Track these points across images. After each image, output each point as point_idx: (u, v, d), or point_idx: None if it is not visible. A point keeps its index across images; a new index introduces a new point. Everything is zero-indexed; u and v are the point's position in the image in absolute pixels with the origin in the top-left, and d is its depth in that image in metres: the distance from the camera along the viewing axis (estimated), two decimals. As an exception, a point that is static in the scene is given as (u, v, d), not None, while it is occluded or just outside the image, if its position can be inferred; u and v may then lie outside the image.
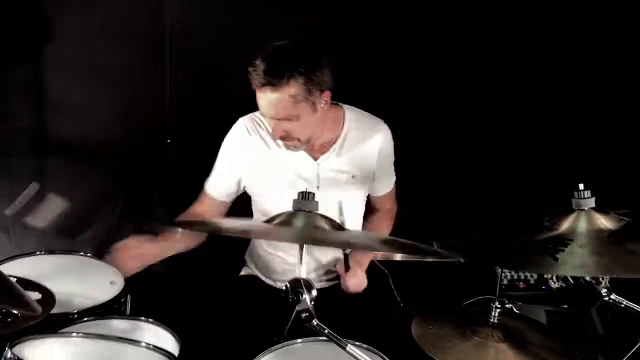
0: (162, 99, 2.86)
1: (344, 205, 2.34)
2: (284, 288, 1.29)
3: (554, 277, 2.41)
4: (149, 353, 1.74)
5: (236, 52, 2.27)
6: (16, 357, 1.56)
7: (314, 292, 1.30)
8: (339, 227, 1.59)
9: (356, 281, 2.29)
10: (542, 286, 2.47)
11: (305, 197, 1.31)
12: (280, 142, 2.27)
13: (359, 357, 1.24)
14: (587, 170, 2.11)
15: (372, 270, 2.45)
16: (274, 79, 2.03)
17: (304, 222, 1.32)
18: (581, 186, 1.52)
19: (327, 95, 2.17)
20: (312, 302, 1.29)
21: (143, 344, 1.76)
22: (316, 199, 2.24)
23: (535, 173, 2.93)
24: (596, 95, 2.88)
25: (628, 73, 2.87)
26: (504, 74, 2.89)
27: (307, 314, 1.27)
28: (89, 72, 2.80)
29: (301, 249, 1.33)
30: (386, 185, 2.52)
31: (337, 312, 2.07)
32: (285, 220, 1.41)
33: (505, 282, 2.51)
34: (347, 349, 1.23)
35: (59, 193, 2.90)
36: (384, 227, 2.53)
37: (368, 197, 2.51)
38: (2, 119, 2.81)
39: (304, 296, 1.27)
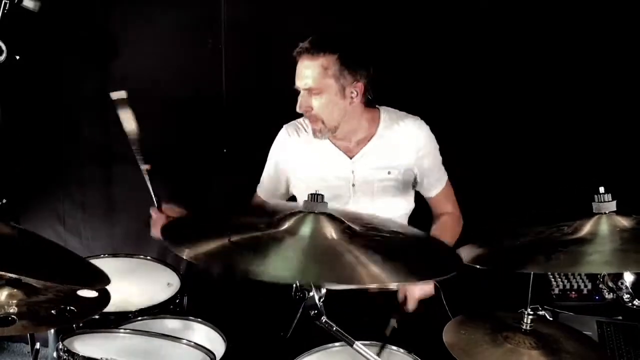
0: (219, 111, 3.00)
1: (383, 206, 2.36)
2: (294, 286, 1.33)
3: (607, 288, 2.32)
4: (190, 350, 1.84)
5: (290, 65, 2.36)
6: (66, 349, 1.69)
7: (323, 290, 1.34)
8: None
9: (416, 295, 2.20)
10: (595, 296, 2.38)
11: (315, 199, 1.35)
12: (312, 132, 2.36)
13: (367, 355, 1.26)
14: (608, 173, 2.01)
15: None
16: (312, 48, 2.22)
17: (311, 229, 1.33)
18: (602, 189, 1.49)
19: (359, 86, 2.27)
20: (321, 300, 1.33)
21: (184, 342, 1.86)
22: (352, 197, 2.33)
23: (555, 176, 2.81)
24: (618, 97, 2.72)
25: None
26: (523, 75, 2.78)
27: (315, 311, 1.31)
28: (151, 86, 2.97)
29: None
30: (434, 184, 2.47)
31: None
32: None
33: (556, 291, 2.43)
34: (354, 346, 1.26)
35: (124, 199, 3.09)
36: (447, 234, 2.41)
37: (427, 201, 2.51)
38: (74, 133, 3.03)
39: (311, 293, 1.31)
